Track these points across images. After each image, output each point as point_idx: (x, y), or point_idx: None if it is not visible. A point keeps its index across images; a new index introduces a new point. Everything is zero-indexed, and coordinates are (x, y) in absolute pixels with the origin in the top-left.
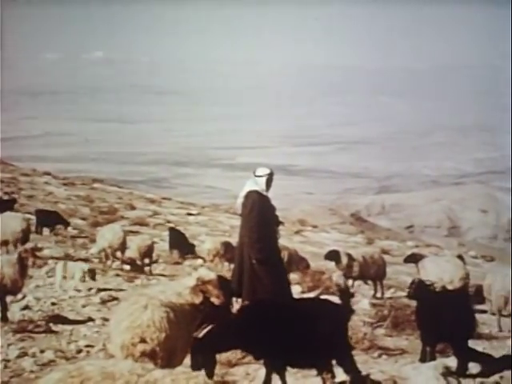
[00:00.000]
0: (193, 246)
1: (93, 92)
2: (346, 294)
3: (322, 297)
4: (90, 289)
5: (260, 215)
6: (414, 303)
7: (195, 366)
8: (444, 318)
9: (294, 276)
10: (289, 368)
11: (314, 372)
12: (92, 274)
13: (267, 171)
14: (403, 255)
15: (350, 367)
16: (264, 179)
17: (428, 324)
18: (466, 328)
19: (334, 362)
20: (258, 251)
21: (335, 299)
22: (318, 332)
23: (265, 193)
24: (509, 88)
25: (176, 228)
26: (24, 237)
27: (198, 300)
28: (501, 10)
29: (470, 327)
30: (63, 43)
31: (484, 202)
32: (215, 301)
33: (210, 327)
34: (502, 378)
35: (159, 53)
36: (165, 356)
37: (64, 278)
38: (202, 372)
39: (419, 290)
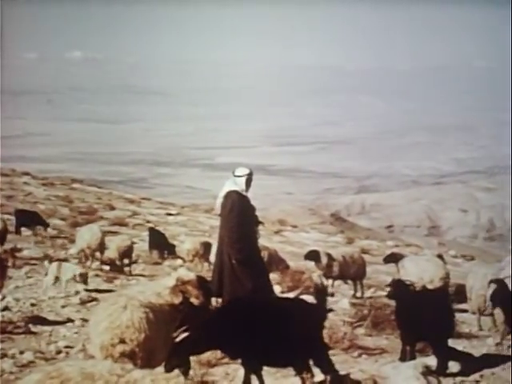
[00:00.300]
0: (173, 246)
1: (73, 92)
2: (321, 293)
3: (298, 297)
4: (69, 290)
5: (240, 215)
6: (393, 303)
7: (168, 368)
8: (423, 317)
9: (273, 276)
10: (267, 368)
11: (293, 372)
12: (83, 278)
13: (246, 171)
14: (383, 255)
15: (327, 367)
16: (243, 179)
17: (407, 323)
18: (445, 327)
19: (311, 361)
20: (237, 251)
21: (312, 299)
22: (294, 331)
23: (244, 193)
24: (481, 88)
25: (156, 228)
26: (1, 237)
27: (177, 300)
28: (481, 12)
29: (450, 326)
30: (44, 43)
31: (464, 202)
32: (195, 301)
33: (187, 333)
34: (482, 376)
35: (140, 53)
36: (144, 356)
37: (57, 278)
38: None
39: (398, 289)
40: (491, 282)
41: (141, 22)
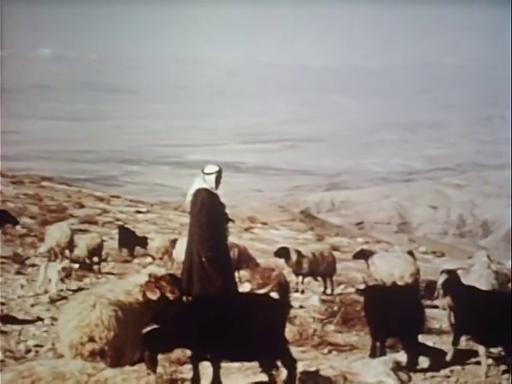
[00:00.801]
0: (145, 238)
1: (42, 89)
2: (284, 288)
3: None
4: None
5: (209, 213)
6: (363, 299)
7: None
8: (393, 313)
9: (244, 273)
10: (237, 364)
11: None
12: (67, 273)
13: (216, 168)
14: (353, 252)
15: (289, 362)
16: (213, 177)
17: (377, 320)
18: (415, 323)
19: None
20: (207, 249)
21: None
22: (256, 326)
23: (214, 190)
24: (445, 86)
25: (125, 226)
26: None
27: (154, 296)
28: (449, 10)
29: (419, 322)
30: (12, 40)
31: (434, 199)
32: (170, 296)
33: (153, 326)
34: (452, 372)
35: (109, 51)
36: (114, 355)
37: (48, 280)
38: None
39: (368, 290)
40: (442, 272)
41: (111, 20)
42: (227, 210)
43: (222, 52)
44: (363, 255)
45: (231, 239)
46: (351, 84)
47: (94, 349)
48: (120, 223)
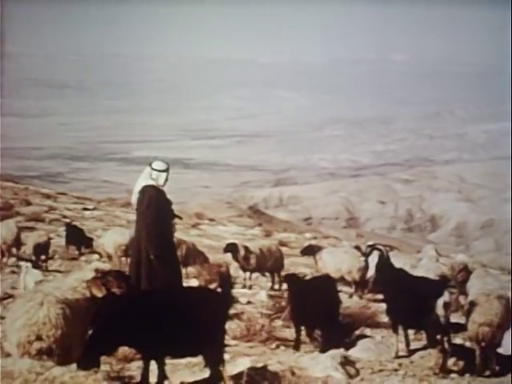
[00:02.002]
0: (90, 239)
1: None
2: (226, 281)
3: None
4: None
5: (157, 211)
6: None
7: (82, 367)
8: (309, 302)
9: (191, 270)
10: (181, 360)
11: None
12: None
13: (165, 166)
14: (301, 247)
15: (217, 358)
16: (162, 174)
17: (295, 308)
18: (329, 313)
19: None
20: (156, 247)
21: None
22: (198, 320)
23: (161, 187)
24: (403, 81)
25: (73, 223)
26: None
27: (100, 294)
28: (399, 5)
29: (333, 312)
30: None
31: (382, 194)
32: (117, 291)
33: (92, 331)
34: (400, 365)
35: (56, 47)
36: (61, 353)
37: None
38: (101, 368)
39: (290, 281)
40: (372, 248)
41: (59, 17)
42: (174, 207)
43: (170, 48)
44: (311, 251)
45: (179, 236)
46: (299, 80)
47: (42, 347)
48: (67, 220)
